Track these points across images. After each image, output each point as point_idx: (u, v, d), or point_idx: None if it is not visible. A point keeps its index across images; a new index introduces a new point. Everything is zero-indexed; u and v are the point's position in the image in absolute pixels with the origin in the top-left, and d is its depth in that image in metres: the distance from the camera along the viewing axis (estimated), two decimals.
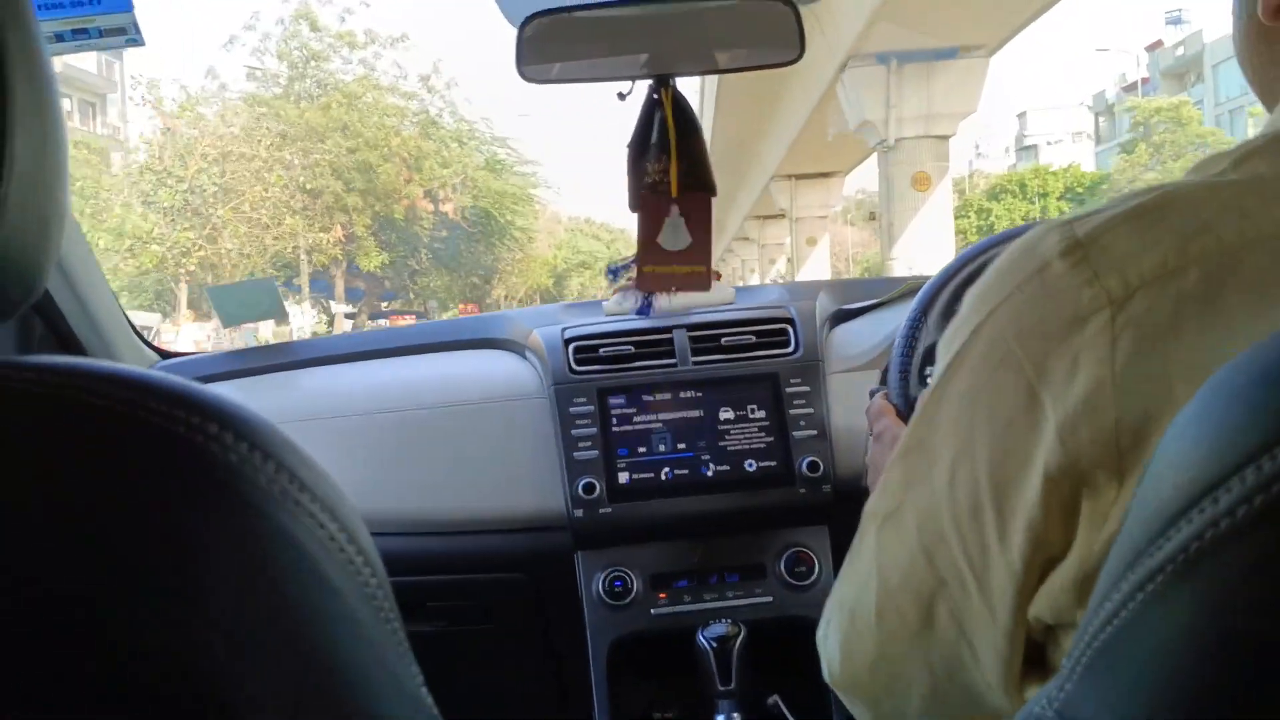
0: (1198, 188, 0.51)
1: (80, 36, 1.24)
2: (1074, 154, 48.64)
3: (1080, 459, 0.48)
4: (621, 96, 1.32)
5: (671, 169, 1.31)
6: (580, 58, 1.30)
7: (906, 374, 1.26)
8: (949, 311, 1.28)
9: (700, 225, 1.34)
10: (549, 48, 1.28)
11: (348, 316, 27.73)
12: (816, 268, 42.29)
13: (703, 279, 1.34)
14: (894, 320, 1.53)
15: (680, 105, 1.32)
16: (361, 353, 1.68)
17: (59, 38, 1.24)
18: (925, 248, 21.13)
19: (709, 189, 1.35)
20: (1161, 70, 34.03)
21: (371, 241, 24.26)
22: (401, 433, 1.50)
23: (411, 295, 31.22)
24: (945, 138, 21.67)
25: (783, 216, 49.08)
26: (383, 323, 30.45)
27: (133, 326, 1.61)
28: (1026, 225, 1.24)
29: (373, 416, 1.51)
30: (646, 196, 1.33)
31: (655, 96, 1.31)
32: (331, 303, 26.93)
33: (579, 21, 1.27)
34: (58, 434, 0.35)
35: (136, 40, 1.26)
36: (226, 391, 1.19)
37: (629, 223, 1.42)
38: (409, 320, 30.92)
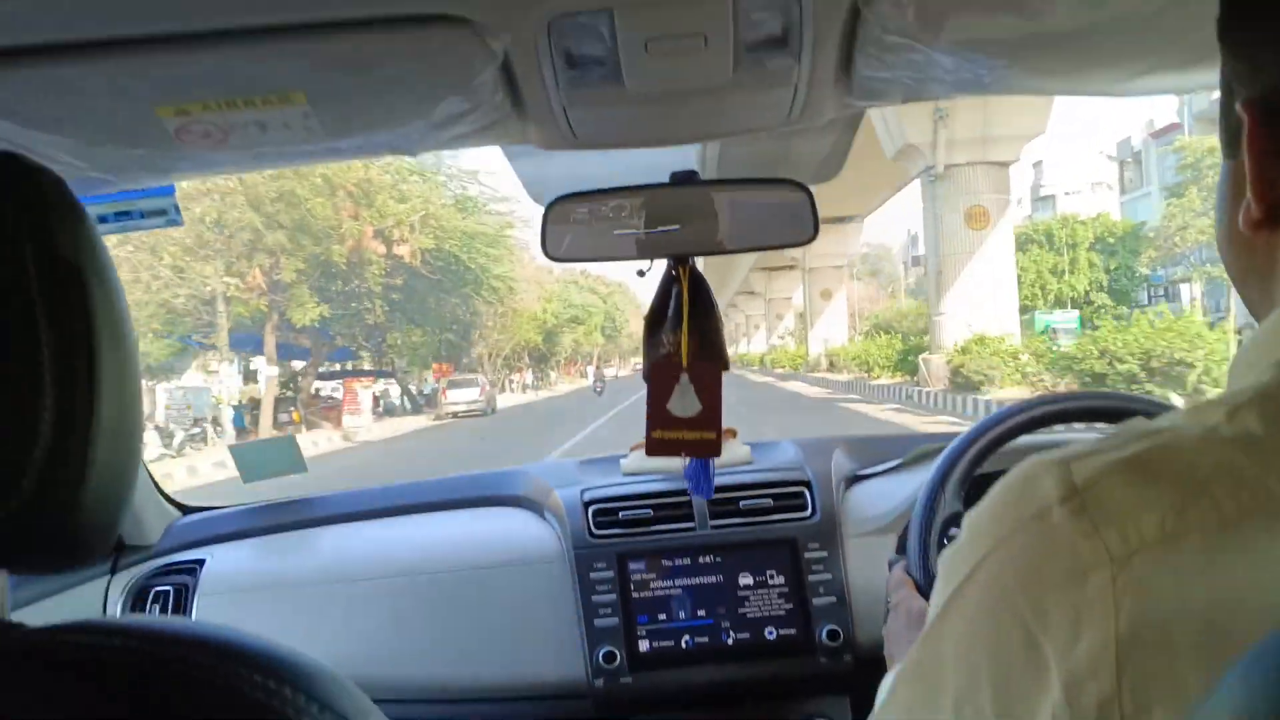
0: (1194, 442, 0.57)
1: (123, 219, 1.48)
2: (1094, 204, 49.12)
3: (1087, 716, 0.53)
4: (641, 274, 1.56)
5: (683, 342, 1.54)
6: (602, 237, 1.54)
7: (926, 545, 1.47)
8: (967, 480, 1.50)
9: (710, 394, 1.54)
10: (573, 228, 1.52)
11: (286, 385, 27.04)
12: (832, 326, 42.41)
13: (712, 446, 1.53)
14: (911, 483, 1.76)
15: (697, 282, 1.56)
16: (378, 510, 1.89)
17: (102, 219, 1.48)
18: (981, 301, 20.11)
19: (721, 362, 1.58)
20: (1195, 114, 34.64)
21: (305, 290, 23.37)
22: (419, 596, 1.68)
23: (367, 354, 31.07)
24: (1006, 164, 20.72)
25: (792, 268, 48.88)
26: (334, 385, 30.18)
27: (153, 479, 1.84)
28: (1040, 401, 1.48)
29: (390, 580, 1.70)
30: (657, 365, 1.55)
31: (673, 273, 1.56)
32: (259, 361, 26.05)
33: (602, 204, 1.51)
34: (161, 701, 0.52)
35: (176, 220, 1.50)
36: (246, 553, 1.48)
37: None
38: (367, 382, 30.97)
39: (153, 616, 1.65)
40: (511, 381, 49.42)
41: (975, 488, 1.49)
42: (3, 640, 0.56)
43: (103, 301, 0.58)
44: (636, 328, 68.14)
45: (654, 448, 1.53)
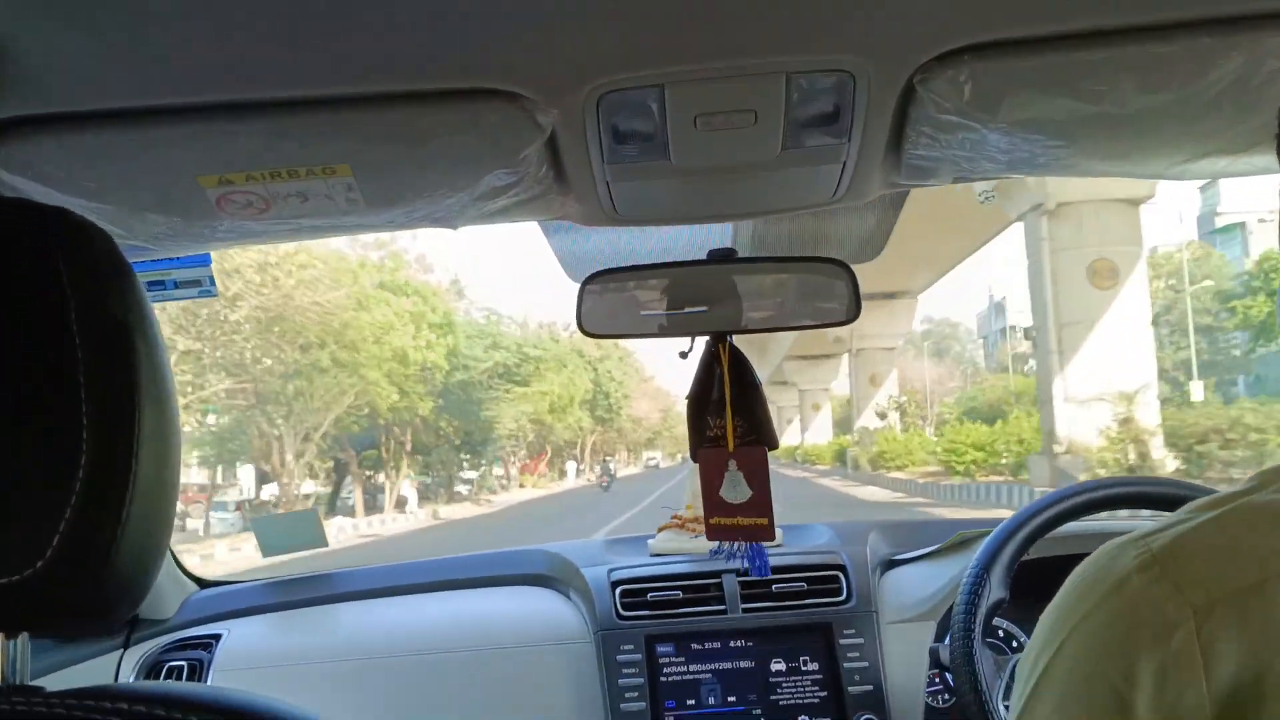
0: (1267, 500, 0.61)
1: (156, 288, 1.49)
2: None
3: None
4: (684, 355, 1.55)
5: (728, 426, 1.53)
6: (639, 314, 1.54)
7: (970, 631, 1.43)
8: (1013, 566, 1.47)
9: (758, 479, 1.52)
10: (609, 305, 1.52)
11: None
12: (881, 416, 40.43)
13: (767, 531, 1.51)
14: (947, 570, 1.72)
15: (738, 361, 1.54)
16: (399, 587, 1.87)
17: None
18: (1114, 377, 16.51)
19: (769, 443, 1.56)
20: None
21: None
22: (441, 676, 1.66)
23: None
24: (1137, 202, 16.99)
25: (830, 356, 47.65)
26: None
27: (171, 552, 1.83)
28: (1089, 486, 1.44)
29: (410, 659, 1.68)
30: (705, 452, 1.53)
31: (714, 351, 1.54)
32: None
33: (638, 282, 1.51)
34: None
35: (209, 291, 1.52)
36: (263, 628, 1.46)
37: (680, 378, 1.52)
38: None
39: (171, 683, 1.64)
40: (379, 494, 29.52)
41: (1021, 575, 1.45)
42: (26, 704, 0.55)
43: (147, 360, 0.59)
44: (643, 409, 63.07)
45: (712, 534, 1.52)
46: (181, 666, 1.72)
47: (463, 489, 37.25)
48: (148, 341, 0.60)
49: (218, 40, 0.86)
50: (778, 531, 1.86)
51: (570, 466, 53.76)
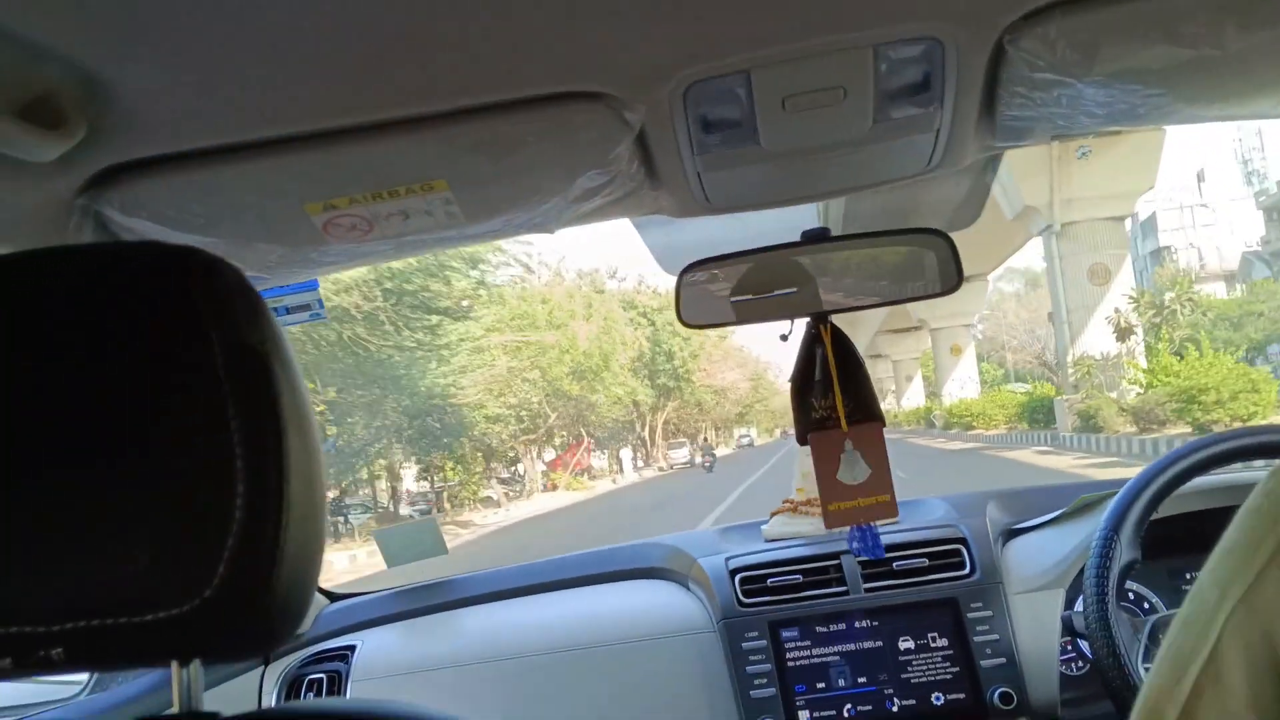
0: None
1: None
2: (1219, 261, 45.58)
3: None
4: (784, 338, 1.56)
5: (838, 405, 1.53)
6: (739, 301, 1.55)
7: (1104, 595, 1.42)
8: (1143, 525, 1.45)
9: (876, 455, 1.52)
10: (708, 295, 1.53)
11: None
12: (961, 382, 41.70)
13: (890, 507, 1.51)
14: (1072, 536, 1.70)
15: (841, 340, 1.54)
16: (521, 588, 1.91)
17: None
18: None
19: (878, 419, 1.57)
20: None
21: None
22: (566, 674, 1.69)
23: None
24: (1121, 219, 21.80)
25: (916, 329, 48.61)
26: None
27: None
28: (1219, 438, 1.42)
29: (539, 658, 1.71)
30: (817, 435, 1.53)
31: (815, 332, 1.55)
32: None
33: (735, 269, 1.52)
34: None
35: (320, 315, 1.57)
36: (395, 637, 1.49)
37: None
38: None
39: (337, 699, 1.69)
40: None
41: (1152, 534, 1.44)
42: None
43: (287, 386, 0.61)
44: (729, 378, 51.70)
45: (832, 520, 1.52)
46: (321, 679, 1.78)
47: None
48: (285, 367, 0.61)
49: (311, 72, 0.89)
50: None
51: (626, 455, 43.62)
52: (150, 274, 0.60)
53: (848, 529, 1.62)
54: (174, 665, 0.63)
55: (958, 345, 41.94)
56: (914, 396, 63.60)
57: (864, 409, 1.54)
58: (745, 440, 63.70)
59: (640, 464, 44.10)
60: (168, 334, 0.58)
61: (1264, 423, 14.33)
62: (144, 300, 0.59)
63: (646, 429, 44.86)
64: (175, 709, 0.63)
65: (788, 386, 1.58)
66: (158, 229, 1.08)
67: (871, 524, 1.60)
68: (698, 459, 38.11)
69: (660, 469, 41.87)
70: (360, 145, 1.00)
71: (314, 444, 0.63)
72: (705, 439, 49.23)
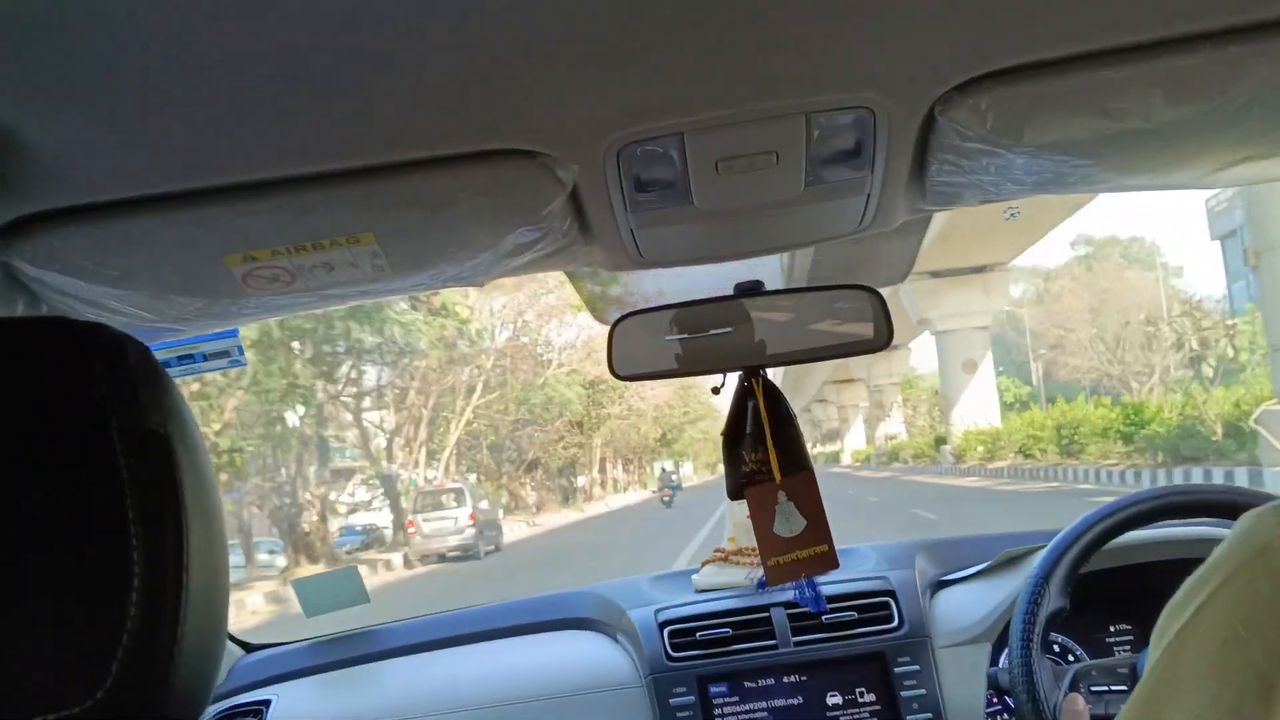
0: None
1: (185, 362, 1.53)
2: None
3: None
4: (716, 391, 1.55)
5: (771, 458, 1.52)
6: (671, 353, 1.54)
7: (1029, 641, 1.43)
8: (1072, 576, 1.46)
9: (811, 505, 1.53)
10: (641, 346, 1.52)
11: None
12: (978, 404, 34.52)
13: (829, 558, 1.50)
14: (999, 590, 1.71)
15: (772, 393, 1.54)
16: (444, 639, 1.88)
17: (165, 364, 1.54)
18: None
19: (807, 469, 1.56)
20: None
21: None
22: None
23: None
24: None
25: (895, 348, 47.49)
26: None
27: None
28: (1148, 495, 1.42)
29: (460, 714, 1.68)
30: (752, 490, 1.53)
31: (747, 385, 1.54)
32: None
33: (668, 321, 1.51)
34: None
35: (239, 361, 1.55)
36: (313, 690, 1.48)
37: None
38: None
39: None
40: None
41: (1082, 586, 1.46)
42: None
43: (189, 470, 0.59)
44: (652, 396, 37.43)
45: (774, 576, 1.51)
46: None
47: None
48: (189, 450, 0.60)
49: (236, 122, 0.88)
50: None
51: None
52: (53, 350, 0.58)
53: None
54: None
55: (973, 360, 35.31)
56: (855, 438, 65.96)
57: (794, 460, 1.55)
58: (670, 480, 36.48)
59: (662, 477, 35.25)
60: (65, 416, 0.56)
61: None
62: (41, 380, 0.57)
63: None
64: None
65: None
66: (71, 281, 1.06)
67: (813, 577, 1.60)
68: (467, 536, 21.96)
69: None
70: (284, 197, 0.98)
71: (217, 530, 0.62)
72: (663, 469, 36.52)
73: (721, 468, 1.63)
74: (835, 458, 73.98)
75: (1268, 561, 0.60)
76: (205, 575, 0.58)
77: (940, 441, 39.04)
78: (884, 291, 1.49)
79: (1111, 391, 33.89)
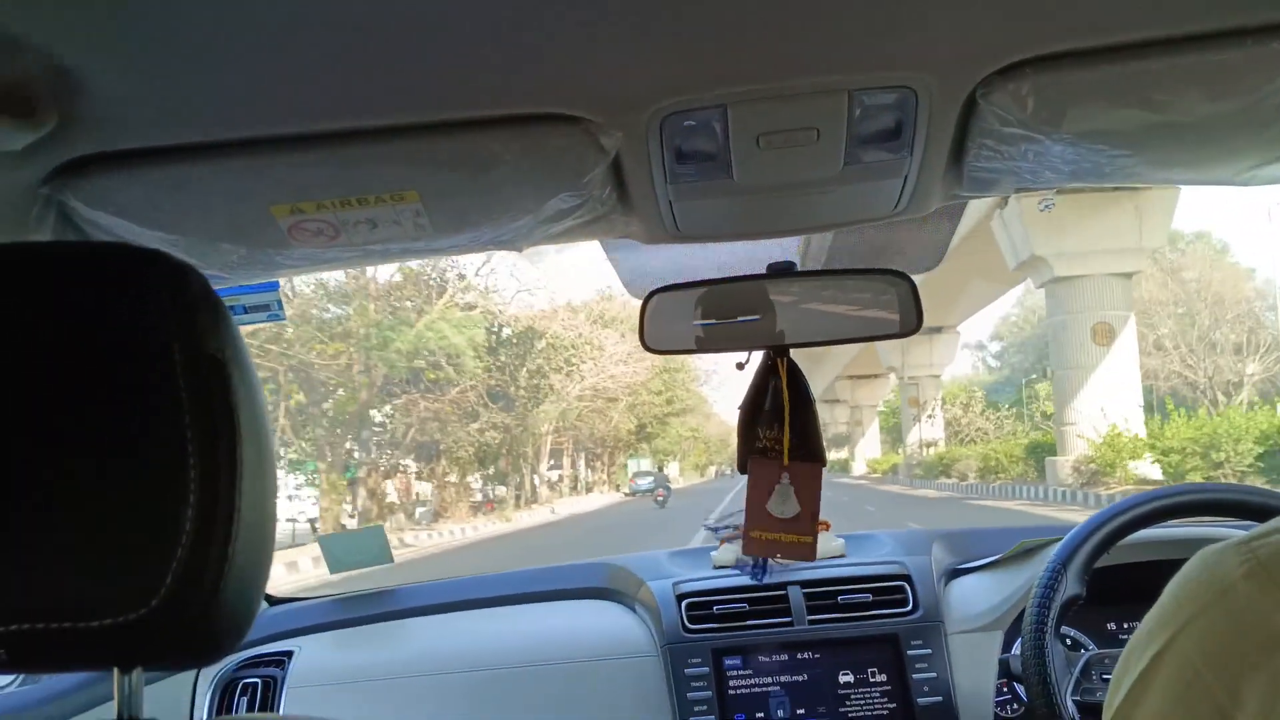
0: None
1: None
2: None
3: None
4: (740, 366, 1.59)
5: (784, 438, 1.57)
6: (700, 329, 1.58)
7: (1043, 625, 1.47)
8: (1089, 567, 1.51)
9: (809, 496, 1.56)
10: (671, 321, 1.56)
11: None
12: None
13: (808, 550, 1.54)
14: (1013, 580, 1.75)
15: (795, 375, 1.58)
16: (467, 601, 1.92)
17: None
18: None
19: (819, 459, 1.60)
20: None
21: None
22: (506, 692, 1.69)
23: None
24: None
25: (878, 376, 47.70)
26: None
27: None
28: (1167, 492, 1.48)
29: (480, 674, 1.72)
30: (757, 461, 1.57)
31: (770, 363, 1.59)
32: None
33: (698, 296, 1.55)
34: None
35: (278, 316, 1.57)
36: (334, 645, 1.51)
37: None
38: None
39: (275, 715, 1.69)
40: None
41: (1096, 580, 1.49)
42: None
43: (245, 395, 0.61)
44: (623, 371, 29.48)
45: (751, 546, 1.55)
46: (256, 684, 1.77)
47: None
48: (244, 377, 0.62)
49: (289, 74, 0.90)
50: (840, 542, 1.90)
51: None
52: (118, 275, 0.60)
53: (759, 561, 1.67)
54: (115, 672, 0.63)
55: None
56: (872, 443, 62.59)
57: (808, 448, 1.58)
58: (645, 482, 34.44)
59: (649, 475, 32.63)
60: (128, 339, 0.59)
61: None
62: (106, 303, 0.59)
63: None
64: (115, 715, 0.63)
65: (728, 392, 1.55)
66: (120, 223, 1.08)
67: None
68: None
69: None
70: (333, 151, 1.01)
71: (268, 455, 0.64)
72: (659, 466, 32.22)
73: (712, 470, 1.67)
74: (845, 467, 64.94)
75: (1230, 603, 0.59)
76: (256, 495, 0.61)
77: (1037, 450, 28.01)
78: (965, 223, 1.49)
79: (1188, 401, 27.37)
